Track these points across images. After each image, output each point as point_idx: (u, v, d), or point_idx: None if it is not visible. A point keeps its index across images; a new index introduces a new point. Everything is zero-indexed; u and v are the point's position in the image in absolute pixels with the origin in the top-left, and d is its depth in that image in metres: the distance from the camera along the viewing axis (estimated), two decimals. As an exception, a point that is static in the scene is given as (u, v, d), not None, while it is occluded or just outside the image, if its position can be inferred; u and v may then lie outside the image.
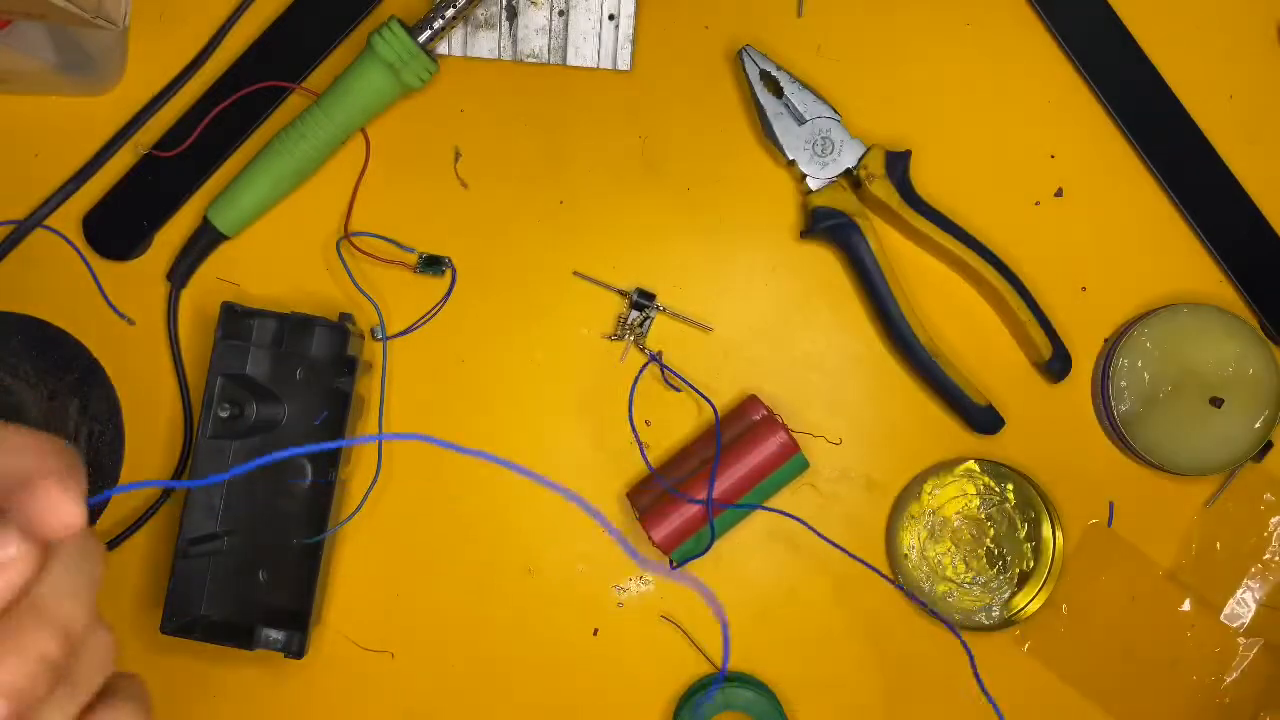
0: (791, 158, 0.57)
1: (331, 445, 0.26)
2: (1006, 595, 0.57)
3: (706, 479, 0.55)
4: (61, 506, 0.25)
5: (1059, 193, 0.59)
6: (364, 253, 0.58)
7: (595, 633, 0.59)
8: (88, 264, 0.59)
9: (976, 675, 0.55)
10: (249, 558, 0.58)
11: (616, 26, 0.58)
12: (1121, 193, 0.59)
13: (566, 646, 0.59)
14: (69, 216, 0.59)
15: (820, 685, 0.58)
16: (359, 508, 0.58)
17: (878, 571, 0.57)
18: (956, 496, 0.57)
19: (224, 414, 0.56)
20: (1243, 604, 0.58)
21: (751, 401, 0.57)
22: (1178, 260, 0.59)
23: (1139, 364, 0.56)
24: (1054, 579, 0.57)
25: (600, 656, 0.59)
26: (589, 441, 0.59)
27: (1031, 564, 0.57)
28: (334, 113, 0.56)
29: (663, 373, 0.58)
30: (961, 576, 0.57)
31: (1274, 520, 0.58)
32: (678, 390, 0.58)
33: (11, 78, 0.57)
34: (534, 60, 0.58)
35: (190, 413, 0.58)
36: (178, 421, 0.59)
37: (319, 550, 0.55)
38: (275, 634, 0.55)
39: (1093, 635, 0.58)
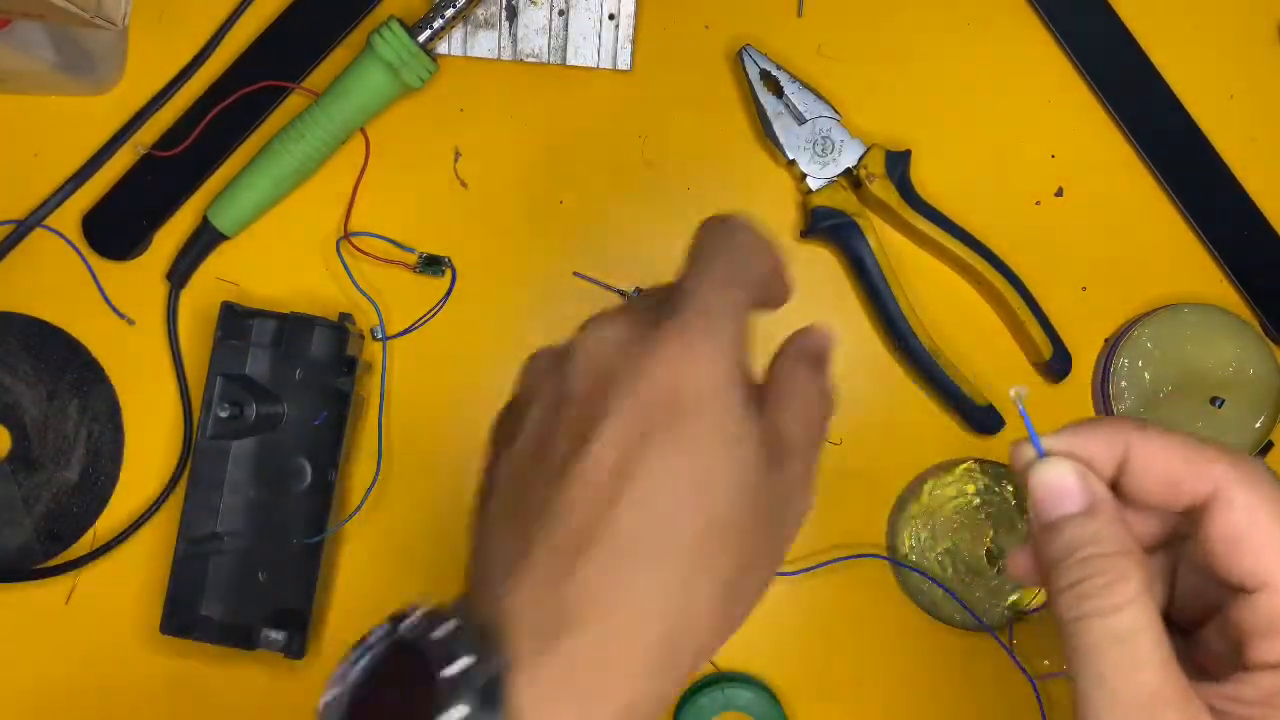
0: (791, 157, 0.57)
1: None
2: (1007, 595, 0.57)
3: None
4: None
5: (1059, 193, 0.59)
6: (364, 253, 0.58)
7: (595, 633, 0.59)
8: (87, 264, 0.59)
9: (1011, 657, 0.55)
10: (249, 558, 0.58)
11: (616, 26, 0.58)
12: (1121, 193, 0.59)
13: (566, 646, 0.59)
14: (69, 216, 0.59)
15: (820, 685, 0.58)
16: (359, 508, 0.57)
17: (888, 558, 0.57)
18: (956, 496, 0.57)
19: (224, 414, 0.56)
20: (1243, 604, 0.58)
21: (751, 401, 0.57)
22: (1178, 260, 0.59)
23: (1139, 364, 0.56)
24: (1054, 579, 0.57)
25: (600, 656, 0.59)
26: (589, 441, 0.59)
27: (1031, 564, 0.57)
28: (334, 112, 0.56)
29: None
30: (962, 577, 0.57)
31: (1274, 520, 0.58)
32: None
33: (11, 78, 0.57)
34: (534, 60, 0.58)
35: (190, 413, 0.58)
36: (177, 421, 0.59)
37: (319, 550, 0.55)
38: (275, 634, 0.55)
39: (1093, 635, 0.58)
